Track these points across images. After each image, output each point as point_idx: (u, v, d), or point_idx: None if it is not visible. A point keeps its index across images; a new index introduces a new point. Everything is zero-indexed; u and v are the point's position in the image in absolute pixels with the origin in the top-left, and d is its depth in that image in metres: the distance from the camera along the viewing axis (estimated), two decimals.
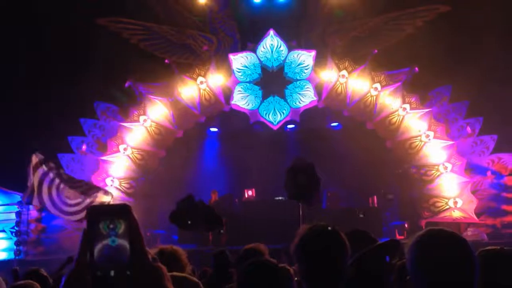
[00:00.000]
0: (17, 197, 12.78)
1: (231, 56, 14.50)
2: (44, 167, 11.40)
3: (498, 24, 12.25)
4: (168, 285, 1.00)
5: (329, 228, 1.84)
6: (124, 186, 14.07)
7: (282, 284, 2.09)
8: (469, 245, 1.48)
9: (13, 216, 12.65)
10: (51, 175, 11.41)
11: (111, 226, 0.96)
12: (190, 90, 14.51)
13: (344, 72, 14.38)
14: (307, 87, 14.60)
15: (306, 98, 14.63)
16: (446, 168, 13.50)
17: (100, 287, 0.96)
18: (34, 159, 11.33)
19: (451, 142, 13.59)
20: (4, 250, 12.87)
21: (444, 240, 1.47)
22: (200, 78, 14.48)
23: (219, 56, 14.55)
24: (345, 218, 12.16)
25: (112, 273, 0.94)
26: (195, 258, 8.59)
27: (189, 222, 7.71)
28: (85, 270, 0.99)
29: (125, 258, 0.96)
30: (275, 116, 14.70)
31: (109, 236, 0.96)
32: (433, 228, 1.56)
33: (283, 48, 14.49)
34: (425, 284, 1.45)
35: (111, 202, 11.09)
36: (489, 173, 13.41)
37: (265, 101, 14.74)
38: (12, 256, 12.13)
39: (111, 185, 13.84)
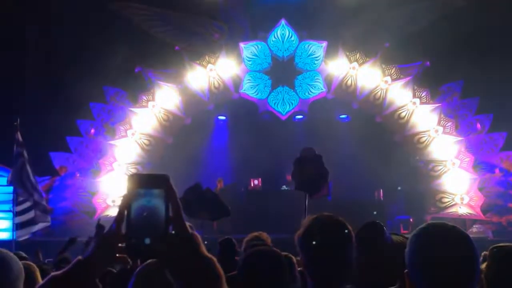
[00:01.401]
0: None
1: (242, 45, 14.45)
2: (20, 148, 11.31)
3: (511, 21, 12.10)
4: (206, 253, 1.01)
5: (335, 218, 1.83)
6: (131, 171, 14.13)
7: (284, 272, 2.10)
8: (471, 240, 1.45)
9: (12, 196, 12.70)
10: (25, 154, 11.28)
11: (148, 195, 0.98)
12: (199, 77, 14.50)
13: (354, 64, 14.31)
14: (317, 78, 14.55)
15: (315, 89, 14.58)
16: (454, 164, 13.43)
17: (135, 254, 0.98)
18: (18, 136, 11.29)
19: (460, 138, 13.51)
20: (10, 230, 12.97)
21: (445, 234, 1.45)
22: (210, 66, 14.46)
23: (229, 44, 14.49)
24: (351, 210, 12.14)
25: (147, 240, 0.95)
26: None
27: (195, 210, 7.74)
28: (116, 237, 1.00)
29: (160, 223, 0.96)
30: (283, 106, 14.67)
31: (144, 196, 0.97)
32: (434, 222, 1.54)
33: (294, 38, 14.41)
34: (422, 277, 1.44)
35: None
36: (497, 170, 13.32)
37: (274, 91, 14.70)
38: (10, 236, 12.18)
39: (118, 170, 13.92)
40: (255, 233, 3.87)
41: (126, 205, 0.98)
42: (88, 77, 12.71)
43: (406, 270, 1.48)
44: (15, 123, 10.83)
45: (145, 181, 0.99)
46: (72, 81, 12.61)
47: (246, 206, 12.89)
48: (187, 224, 1.01)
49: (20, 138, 10.71)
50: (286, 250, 2.99)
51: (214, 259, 1.02)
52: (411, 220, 12.80)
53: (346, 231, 1.79)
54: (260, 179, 13.85)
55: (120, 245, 1.00)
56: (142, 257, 1.00)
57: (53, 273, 1.04)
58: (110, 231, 1.02)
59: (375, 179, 13.66)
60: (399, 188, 13.94)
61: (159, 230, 0.96)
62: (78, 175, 13.80)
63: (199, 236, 1.02)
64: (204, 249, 1.01)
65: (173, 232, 0.98)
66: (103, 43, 12.55)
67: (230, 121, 15.55)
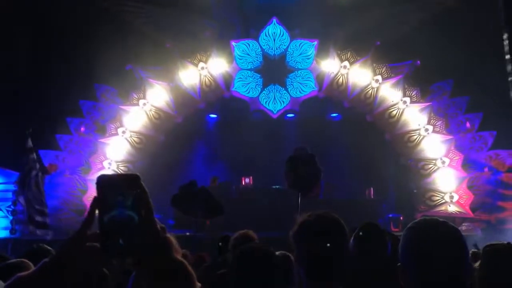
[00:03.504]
0: (15, 175, 12.78)
1: (233, 43, 14.43)
2: (34, 155, 11.17)
3: (501, 21, 12.19)
4: (176, 256, 1.00)
5: (331, 216, 1.83)
6: (121, 169, 14.07)
7: (275, 268, 2.10)
8: (460, 233, 1.48)
9: (9, 195, 12.64)
10: (37, 166, 11.12)
11: (120, 198, 0.96)
12: (190, 75, 14.47)
13: (346, 63, 14.35)
14: (308, 77, 14.57)
15: (306, 87, 14.61)
16: (444, 162, 13.53)
17: (111, 254, 0.98)
18: (29, 143, 11.17)
19: (450, 137, 13.61)
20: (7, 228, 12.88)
21: (436, 227, 1.48)
22: (201, 64, 14.43)
23: (221, 42, 14.47)
24: (342, 209, 12.16)
25: (121, 241, 0.95)
26: (191, 243, 8.63)
27: (190, 207, 7.75)
28: (84, 239, 0.99)
29: (133, 224, 0.96)
30: (275, 104, 14.69)
31: (118, 207, 0.96)
32: (427, 217, 1.56)
33: (286, 36, 14.43)
34: (414, 267, 1.45)
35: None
36: (486, 169, 13.44)
37: (265, 89, 14.72)
38: (7, 234, 12.14)
39: (109, 168, 13.85)
40: (242, 232, 3.87)
41: (97, 206, 0.97)
42: (78, 74, 12.63)
43: (399, 264, 1.50)
44: (27, 131, 10.77)
45: (116, 182, 0.98)
46: (62, 78, 12.52)
47: (237, 204, 12.87)
48: (160, 225, 1.01)
49: (30, 144, 10.62)
50: (276, 249, 2.99)
51: (185, 262, 1.01)
52: (401, 218, 12.88)
53: (340, 226, 1.80)
54: (251, 177, 13.85)
55: (89, 244, 0.99)
56: (117, 257, 0.99)
57: (18, 274, 1.02)
58: (77, 233, 1.01)
59: (365, 178, 13.72)
60: (415, 191, 14.03)
61: (132, 231, 0.95)
62: (67, 173, 13.71)
63: (172, 239, 1.01)
64: (176, 253, 1.01)
65: (144, 233, 0.97)
66: (94, 40, 12.47)
67: (221, 119, 15.54)
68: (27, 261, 2.73)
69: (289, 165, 7.26)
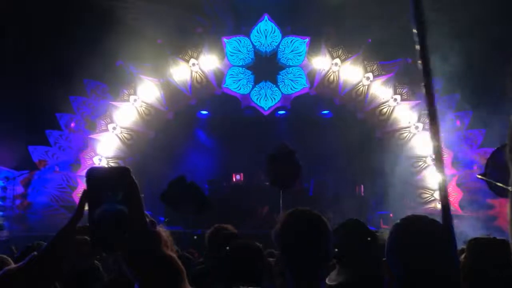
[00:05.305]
0: (3, 171, 12.67)
1: (225, 39, 14.40)
2: None
3: (489, 19, 12.27)
4: (165, 251, 0.99)
5: (311, 212, 1.79)
6: (111, 166, 14.00)
7: (264, 264, 2.11)
8: (448, 230, 1.47)
9: None
10: None
11: (110, 191, 0.95)
12: (181, 71, 14.42)
13: (337, 60, 14.38)
14: (300, 74, 14.58)
15: (298, 85, 14.62)
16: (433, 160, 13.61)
17: (99, 248, 0.97)
18: None
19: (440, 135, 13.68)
20: None
21: (422, 224, 1.48)
22: (192, 60, 14.39)
23: (212, 38, 14.42)
24: (332, 205, 12.22)
25: (111, 234, 0.95)
26: (182, 240, 8.62)
27: (179, 203, 7.69)
28: (74, 232, 0.98)
29: (123, 222, 0.95)
30: (266, 101, 14.69)
31: (108, 200, 0.95)
32: (415, 214, 1.57)
33: (277, 33, 14.42)
34: (400, 266, 1.46)
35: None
36: (475, 166, 13.53)
37: (257, 86, 14.70)
38: None
39: (99, 164, 13.78)
40: (218, 225, 3.74)
41: (87, 199, 0.97)
42: (68, 70, 12.54)
43: (384, 259, 1.50)
44: None
45: (106, 175, 0.97)
46: (52, 74, 12.42)
47: (228, 201, 12.84)
48: (149, 219, 1.00)
49: None
50: (268, 245, 2.99)
51: (174, 256, 1.00)
52: (391, 215, 12.95)
53: (321, 223, 1.76)
54: (242, 174, 13.84)
55: (79, 237, 0.99)
56: (107, 250, 0.99)
57: (7, 267, 1.02)
58: (67, 226, 1.00)
59: (355, 175, 13.76)
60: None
61: (122, 225, 0.95)
62: (57, 169, 13.62)
63: (161, 233, 1.01)
64: (165, 247, 0.99)
65: (133, 227, 0.96)
66: (84, 36, 12.37)
67: (212, 115, 15.50)
68: (6, 257, 2.75)
69: (269, 162, 7.20)
